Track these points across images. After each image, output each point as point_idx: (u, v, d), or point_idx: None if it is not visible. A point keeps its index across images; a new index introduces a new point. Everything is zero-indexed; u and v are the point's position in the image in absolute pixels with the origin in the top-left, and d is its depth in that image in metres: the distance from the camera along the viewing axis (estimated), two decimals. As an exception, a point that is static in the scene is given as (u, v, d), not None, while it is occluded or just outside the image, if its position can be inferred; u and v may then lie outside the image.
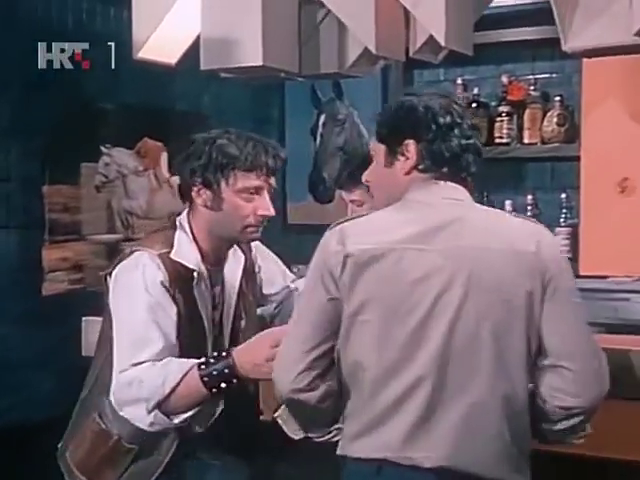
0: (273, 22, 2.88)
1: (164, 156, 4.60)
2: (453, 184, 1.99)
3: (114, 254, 4.34)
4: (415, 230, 1.92)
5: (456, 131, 1.98)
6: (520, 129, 4.39)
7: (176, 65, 3.25)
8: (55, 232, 4.15)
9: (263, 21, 2.83)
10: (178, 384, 2.17)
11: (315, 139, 5.21)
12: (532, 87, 4.42)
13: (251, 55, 2.87)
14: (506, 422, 1.88)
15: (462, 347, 1.87)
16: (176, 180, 2.45)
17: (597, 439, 2.09)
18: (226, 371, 2.17)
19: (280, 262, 2.68)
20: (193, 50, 3.06)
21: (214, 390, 2.19)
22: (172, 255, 2.28)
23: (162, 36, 3.09)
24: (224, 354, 2.21)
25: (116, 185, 4.43)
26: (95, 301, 2.67)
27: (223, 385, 2.18)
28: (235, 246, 2.44)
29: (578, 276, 3.83)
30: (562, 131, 4.29)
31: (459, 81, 4.57)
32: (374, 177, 2.11)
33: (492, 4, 3.07)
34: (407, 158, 1.99)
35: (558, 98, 4.30)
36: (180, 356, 2.25)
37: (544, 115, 4.34)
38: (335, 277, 1.92)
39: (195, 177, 2.29)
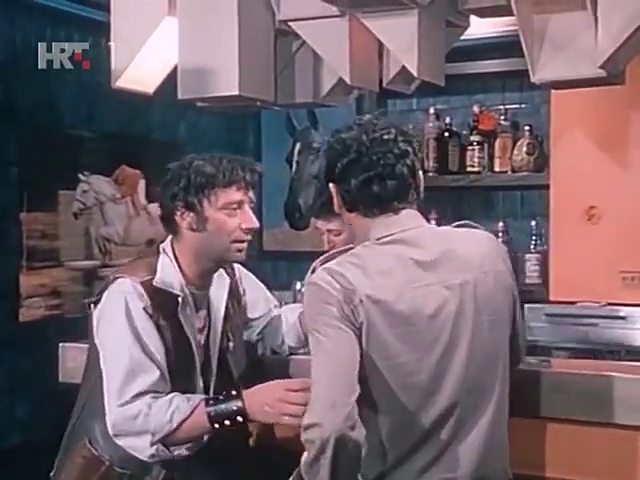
0: (249, 52, 2.89)
1: (141, 183, 4.61)
2: (406, 212, 2.00)
3: (92, 280, 4.38)
4: (413, 268, 1.93)
5: (362, 163, 1.97)
6: (491, 158, 4.43)
7: (153, 94, 3.26)
8: (33, 258, 4.14)
9: (239, 51, 2.85)
10: (185, 419, 2.16)
11: (291, 167, 5.23)
12: (502, 117, 4.46)
13: (227, 85, 2.88)
14: (506, 426, 2.01)
15: (479, 371, 1.95)
16: (154, 207, 2.45)
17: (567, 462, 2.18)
18: (234, 408, 2.16)
19: (263, 286, 2.68)
20: (170, 79, 3.07)
21: (216, 426, 2.17)
22: (155, 282, 2.27)
23: (140, 66, 3.10)
24: (234, 393, 2.19)
25: (94, 212, 4.43)
26: (72, 327, 2.66)
27: (227, 422, 2.17)
28: (220, 270, 2.43)
29: (548, 302, 3.88)
30: (531, 160, 4.33)
31: (431, 111, 4.61)
32: None
33: (463, 36, 3.11)
34: (334, 199, 2.05)
35: (527, 128, 4.35)
36: (170, 380, 2.24)
37: (514, 144, 4.39)
38: (354, 314, 1.88)
39: (177, 201, 2.29)
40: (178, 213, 2.30)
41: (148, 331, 2.22)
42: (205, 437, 2.28)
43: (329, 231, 3.16)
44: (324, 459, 1.80)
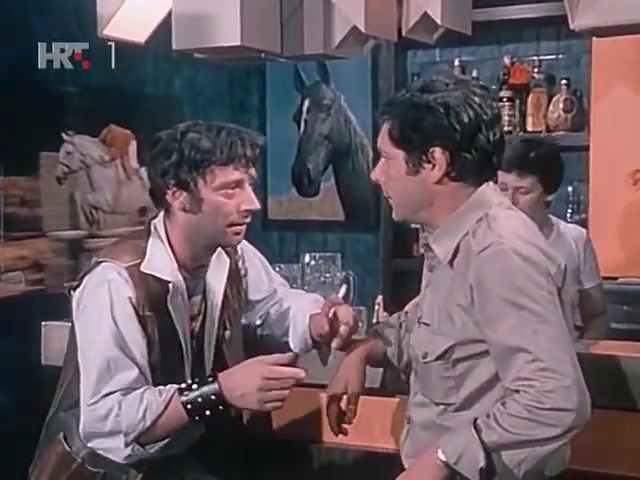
0: (253, -3, 2.88)
1: (133, 145, 4.59)
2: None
3: (77, 252, 4.39)
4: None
5: (483, 129, 1.98)
6: (523, 115, 4.41)
7: (145, 44, 3.24)
8: (12, 228, 4.14)
9: (242, -4, 2.83)
10: (160, 415, 2.16)
11: (299, 126, 5.21)
12: (536, 69, 4.43)
13: (228, 34, 2.86)
14: None
15: None
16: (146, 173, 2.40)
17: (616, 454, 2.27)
18: (213, 397, 2.16)
19: (267, 263, 2.65)
20: (164, 28, 3.05)
21: (197, 418, 2.17)
22: (143, 267, 2.25)
23: (130, 12, 3.08)
24: (209, 379, 2.19)
25: (80, 176, 4.43)
26: (57, 304, 2.65)
27: (207, 412, 2.17)
28: (219, 249, 2.40)
29: (586, 277, 3.86)
30: (569, 118, 4.30)
31: (456, 63, 4.59)
32: (392, 181, 2.08)
33: (493, -22, 3.09)
34: (434, 166, 2.00)
35: (565, 82, 4.32)
36: (155, 374, 2.24)
37: (549, 100, 4.36)
38: (556, 283, 1.98)
39: (168, 178, 2.24)
40: (169, 192, 2.25)
41: (130, 325, 2.21)
42: (197, 434, 2.30)
43: (517, 189, 3.06)
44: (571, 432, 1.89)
